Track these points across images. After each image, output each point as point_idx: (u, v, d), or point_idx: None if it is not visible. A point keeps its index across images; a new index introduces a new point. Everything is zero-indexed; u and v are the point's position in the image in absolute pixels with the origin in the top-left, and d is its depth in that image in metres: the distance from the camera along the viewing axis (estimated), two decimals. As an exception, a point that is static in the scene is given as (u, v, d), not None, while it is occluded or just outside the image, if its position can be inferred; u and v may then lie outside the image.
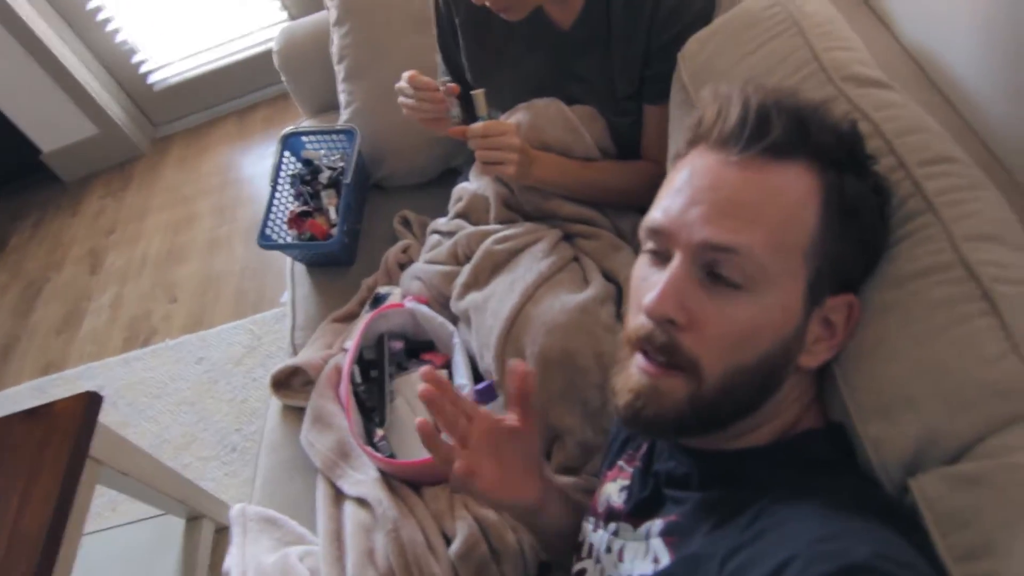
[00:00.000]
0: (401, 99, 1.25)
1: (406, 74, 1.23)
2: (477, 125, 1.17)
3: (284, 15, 3.02)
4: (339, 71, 1.68)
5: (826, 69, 0.86)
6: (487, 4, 1.11)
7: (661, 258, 0.70)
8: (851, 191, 0.68)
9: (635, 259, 1.15)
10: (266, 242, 1.56)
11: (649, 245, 0.72)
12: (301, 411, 1.37)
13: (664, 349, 0.66)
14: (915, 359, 0.67)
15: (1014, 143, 0.91)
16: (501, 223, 1.32)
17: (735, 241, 0.64)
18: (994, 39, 0.89)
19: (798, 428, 0.73)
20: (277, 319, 2.37)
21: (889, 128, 0.79)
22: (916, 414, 0.66)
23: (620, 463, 0.88)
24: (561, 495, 0.92)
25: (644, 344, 0.68)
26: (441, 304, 1.34)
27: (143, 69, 3.13)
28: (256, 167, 3.01)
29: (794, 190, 0.66)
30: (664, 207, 0.70)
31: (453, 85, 1.22)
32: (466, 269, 1.28)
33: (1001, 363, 0.63)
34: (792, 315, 0.66)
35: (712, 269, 0.65)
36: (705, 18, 1.12)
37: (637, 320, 0.69)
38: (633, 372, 0.69)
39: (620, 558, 0.77)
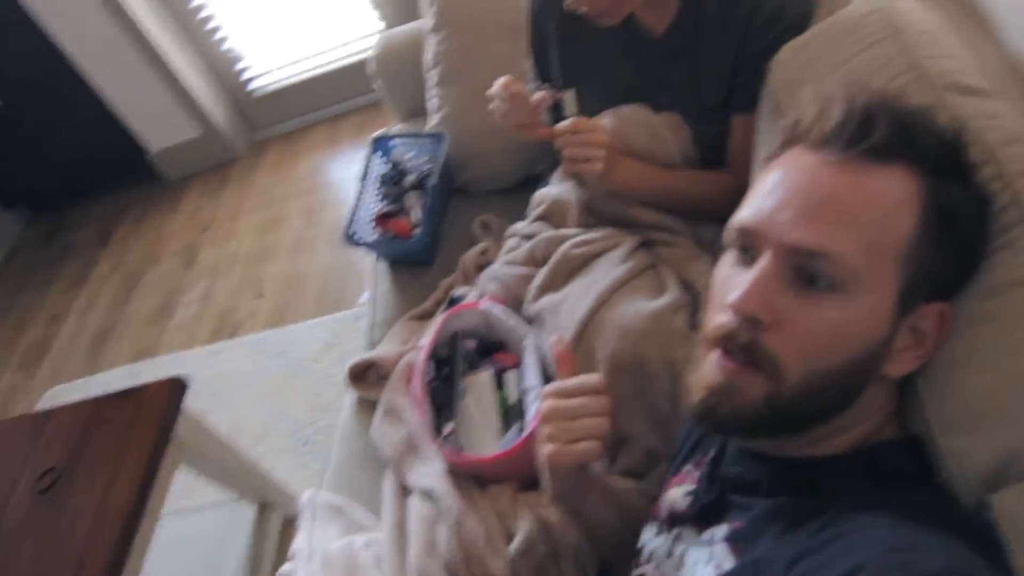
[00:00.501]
0: (493, 104, 1.27)
1: (500, 80, 1.25)
2: (565, 122, 1.18)
3: (382, 25, 3.11)
4: (431, 76, 1.72)
5: (926, 76, 0.83)
6: (583, 10, 1.12)
7: (748, 258, 0.68)
8: (952, 198, 0.66)
9: (713, 268, 1.14)
10: (351, 240, 1.61)
11: (736, 245, 0.71)
12: (374, 405, 1.41)
13: (745, 348, 0.65)
14: (1008, 370, 0.65)
15: None
16: (580, 228, 1.32)
17: (827, 246, 0.63)
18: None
19: (876, 439, 0.70)
20: (356, 319, 2.42)
21: (991, 137, 0.75)
22: (1004, 427, 0.64)
23: (687, 468, 0.87)
24: (603, 487, 0.92)
25: (725, 342, 0.67)
26: (517, 306, 1.35)
27: (245, 76, 3.29)
28: (344, 172, 3.11)
29: (893, 194, 0.65)
30: (755, 207, 0.69)
31: (547, 95, 1.23)
32: (543, 272, 1.28)
33: (1099, 380, 0.59)
34: (881, 321, 0.65)
35: (801, 272, 0.64)
36: (801, 27, 1.10)
37: (719, 318, 0.68)
38: (709, 369, 0.68)
39: (681, 563, 0.75)
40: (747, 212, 0.70)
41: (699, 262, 1.22)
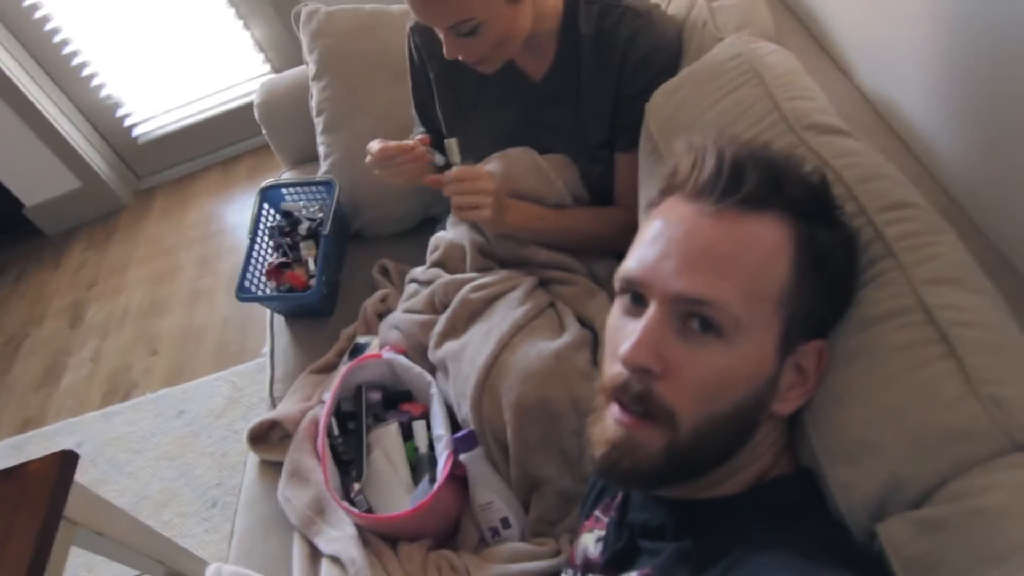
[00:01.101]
0: (374, 171, 1.27)
1: (374, 147, 1.24)
2: (452, 171, 1.19)
3: (267, 67, 3.06)
4: (318, 124, 1.70)
5: (787, 118, 0.89)
6: (460, 58, 1.13)
7: (636, 307, 0.70)
8: (822, 242, 0.70)
9: (610, 304, 1.16)
10: (245, 295, 1.56)
11: (624, 294, 0.72)
12: (279, 466, 1.36)
13: (640, 399, 0.66)
14: (879, 404, 0.68)
15: (969, 186, 0.93)
16: (477, 271, 1.33)
17: (709, 293, 0.65)
18: (948, 87, 0.92)
19: (771, 475, 0.73)
20: (259, 370, 2.35)
21: (850, 175, 0.80)
22: (881, 459, 0.67)
23: (597, 513, 0.87)
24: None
25: (620, 394, 0.68)
26: (420, 353, 1.34)
27: (127, 122, 3.16)
28: (239, 217, 3.02)
29: (767, 241, 0.68)
30: (639, 257, 0.71)
31: (423, 136, 1.24)
32: (443, 318, 1.28)
33: (960, 406, 0.63)
34: (766, 363, 0.67)
35: (686, 319, 0.66)
36: (671, 69, 1.14)
37: (613, 369, 0.70)
38: (609, 424, 0.69)
39: None
40: (632, 262, 0.72)
41: (596, 299, 1.25)
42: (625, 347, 0.66)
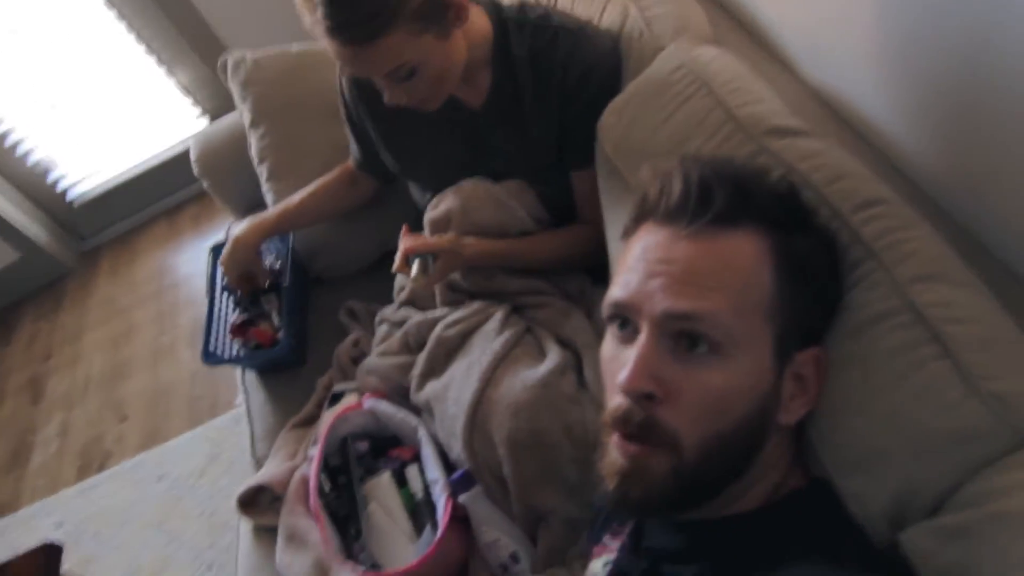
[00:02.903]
0: None
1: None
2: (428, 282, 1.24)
3: (197, 110, 2.99)
4: (261, 172, 1.66)
5: (744, 127, 0.88)
6: (403, 103, 1.11)
7: (628, 334, 0.70)
8: (799, 248, 0.70)
9: (587, 321, 1.15)
10: (211, 359, 1.52)
11: (614, 322, 0.72)
12: (274, 531, 1.32)
13: (643, 426, 0.66)
14: (880, 411, 0.68)
15: (931, 172, 0.93)
16: (448, 306, 1.30)
17: (698, 308, 0.65)
18: (894, 71, 0.92)
19: (784, 489, 0.73)
20: (235, 422, 2.29)
21: (817, 178, 0.80)
22: (890, 467, 0.67)
23: (605, 539, 0.87)
24: None
25: (620, 426, 0.67)
26: (401, 395, 1.31)
27: (61, 186, 3.05)
28: (191, 267, 2.94)
29: (746, 254, 0.68)
30: (623, 282, 0.71)
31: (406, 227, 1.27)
32: (421, 359, 1.26)
33: (962, 407, 0.63)
34: (764, 375, 0.67)
35: (680, 338, 0.66)
36: (613, 82, 1.13)
37: (614, 400, 0.69)
38: (614, 455, 0.69)
39: None
40: (617, 289, 0.71)
41: (572, 318, 1.23)
42: (623, 375, 0.66)
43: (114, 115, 2.96)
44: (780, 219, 0.70)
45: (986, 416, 0.62)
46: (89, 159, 3.08)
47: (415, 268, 1.20)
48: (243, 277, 1.54)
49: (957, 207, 0.91)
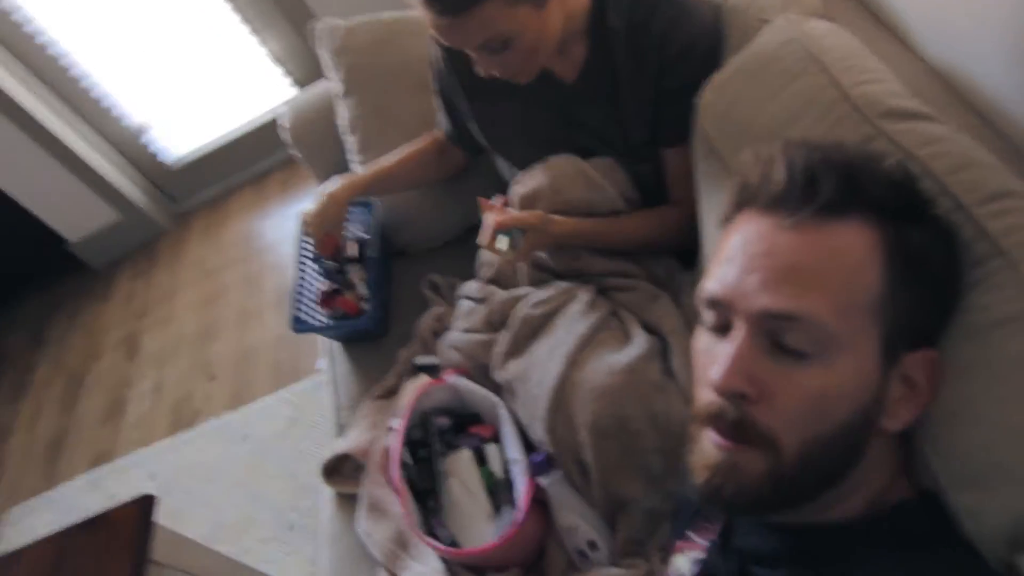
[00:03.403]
0: None
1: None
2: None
3: (288, 80, 3.03)
4: (352, 143, 1.66)
5: (859, 108, 0.82)
6: (495, 74, 1.08)
7: (722, 327, 0.67)
8: (914, 240, 0.65)
9: (674, 306, 1.11)
10: (301, 326, 1.55)
11: (708, 315, 0.69)
12: (356, 498, 1.35)
13: (737, 425, 0.63)
14: (1003, 422, 0.64)
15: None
16: (532, 285, 1.29)
17: (797, 308, 0.61)
18: (1022, 47, 0.84)
19: (889, 498, 0.69)
20: (315, 387, 2.35)
21: (938, 166, 0.74)
22: (1012, 484, 0.62)
23: (690, 534, 0.84)
24: None
25: (716, 421, 0.65)
26: (482, 373, 1.31)
27: (155, 149, 3.17)
28: (278, 232, 3.02)
29: (854, 248, 0.63)
30: (719, 276, 0.68)
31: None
32: (504, 337, 1.24)
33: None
34: (868, 377, 0.63)
35: (777, 337, 0.62)
36: (714, 58, 1.08)
37: (706, 396, 0.67)
38: (708, 448, 0.66)
39: None
40: (712, 282, 0.68)
41: (659, 302, 1.20)
42: (716, 373, 0.63)
43: (208, 82, 3.04)
44: (894, 209, 0.65)
45: None
46: (183, 125, 3.17)
47: (503, 243, 1.18)
48: (328, 237, 1.51)
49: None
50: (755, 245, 0.66)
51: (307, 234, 1.53)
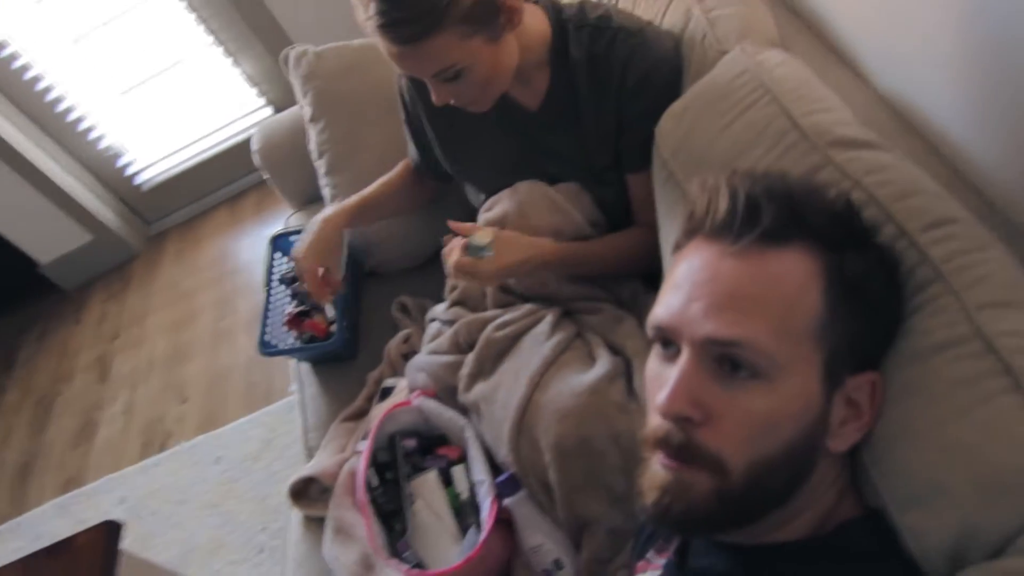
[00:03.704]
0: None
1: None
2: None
3: (262, 100, 3.04)
4: (320, 166, 1.68)
5: (808, 136, 0.85)
6: (451, 102, 1.10)
7: (671, 353, 0.68)
8: (854, 268, 0.67)
9: (639, 328, 1.13)
10: (268, 349, 1.55)
11: (657, 342, 0.70)
12: (324, 521, 1.34)
13: (683, 448, 0.64)
14: (943, 443, 0.65)
15: (1006, 188, 0.88)
16: (499, 307, 1.30)
17: (738, 334, 0.63)
18: (971, 80, 0.87)
19: (837, 517, 0.70)
20: (288, 409, 2.34)
21: (884, 194, 0.77)
22: (952, 503, 0.63)
23: (649, 554, 0.85)
24: None
25: (663, 445, 0.66)
26: (449, 394, 1.31)
27: (129, 171, 3.16)
28: (251, 253, 3.01)
29: (794, 275, 0.65)
30: (666, 303, 0.69)
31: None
32: (470, 359, 1.25)
33: (1033, 446, 0.60)
34: (812, 400, 0.65)
35: (722, 361, 0.64)
36: (674, 86, 1.11)
37: (654, 420, 0.68)
38: (656, 469, 0.67)
39: None
40: (660, 309, 0.70)
41: (624, 324, 1.21)
42: (661, 397, 0.65)
43: (182, 103, 3.04)
44: (834, 237, 0.67)
45: (1058, 457, 0.58)
46: (157, 146, 3.17)
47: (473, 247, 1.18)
48: (325, 277, 1.41)
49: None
50: (700, 272, 0.68)
51: (297, 274, 1.42)
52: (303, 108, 1.68)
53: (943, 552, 0.64)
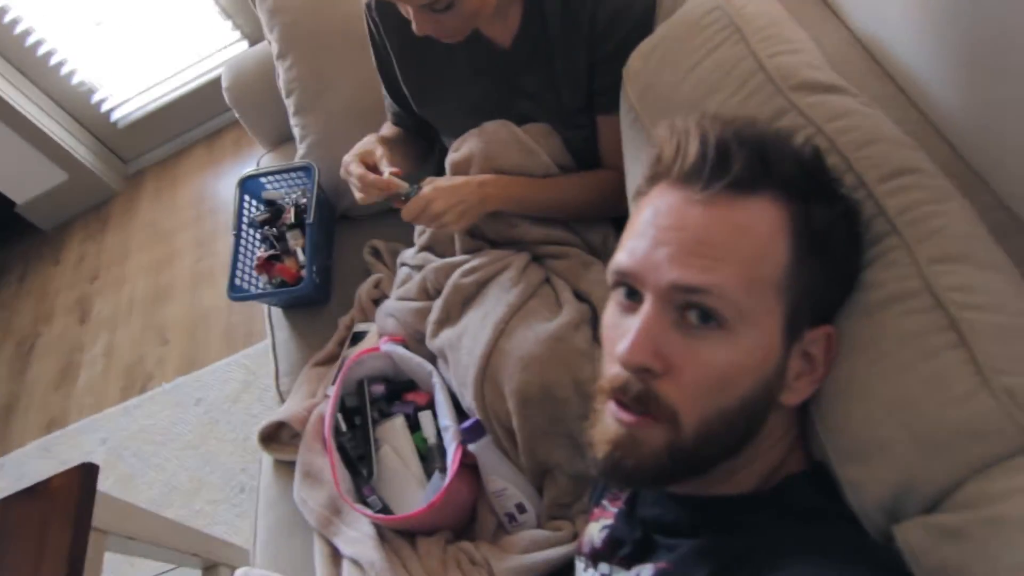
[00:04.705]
0: (356, 195, 1.22)
1: (354, 170, 1.20)
2: (404, 212, 1.17)
3: (237, 34, 2.95)
4: (289, 105, 1.63)
5: (773, 79, 0.82)
6: (430, 33, 1.06)
7: (632, 302, 0.67)
8: (819, 220, 0.65)
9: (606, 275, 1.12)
10: (237, 293, 1.53)
11: (619, 289, 0.69)
12: (294, 464, 1.35)
13: (640, 398, 0.64)
14: (885, 398, 0.65)
15: (971, 137, 0.86)
16: (467, 252, 1.28)
17: (706, 281, 0.61)
18: (947, 27, 0.84)
19: (783, 471, 0.70)
20: (268, 351, 2.34)
21: (844, 141, 0.74)
22: (890, 458, 0.63)
23: (604, 502, 0.86)
24: None
25: (619, 394, 0.65)
26: (418, 340, 1.31)
27: (104, 107, 3.08)
28: (230, 193, 2.87)
29: (762, 224, 0.64)
30: (630, 248, 0.67)
31: (395, 170, 1.19)
32: (436, 305, 1.24)
33: (971, 401, 0.60)
34: (771, 352, 0.64)
35: (686, 311, 0.63)
36: (646, 24, 1.07)
37: (612, 369, 0.67)
38: (609, 422, 0.67)
39: None
40: (623, 255, 0.68)
41: (592, 270, 1.20)
42: (622, 347, 0.63)
43: (155, 37, 2.95)
44: (802, 188, 0.66)
45: (995, 412, 0.58)
46: (131, 82, 3.09)
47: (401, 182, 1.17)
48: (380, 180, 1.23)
49: (995, 175, 0.84)
50: (666, 218, 0.66)
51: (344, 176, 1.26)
52: (271, 44, 1.62)
53: (881, 506, 0.64)
